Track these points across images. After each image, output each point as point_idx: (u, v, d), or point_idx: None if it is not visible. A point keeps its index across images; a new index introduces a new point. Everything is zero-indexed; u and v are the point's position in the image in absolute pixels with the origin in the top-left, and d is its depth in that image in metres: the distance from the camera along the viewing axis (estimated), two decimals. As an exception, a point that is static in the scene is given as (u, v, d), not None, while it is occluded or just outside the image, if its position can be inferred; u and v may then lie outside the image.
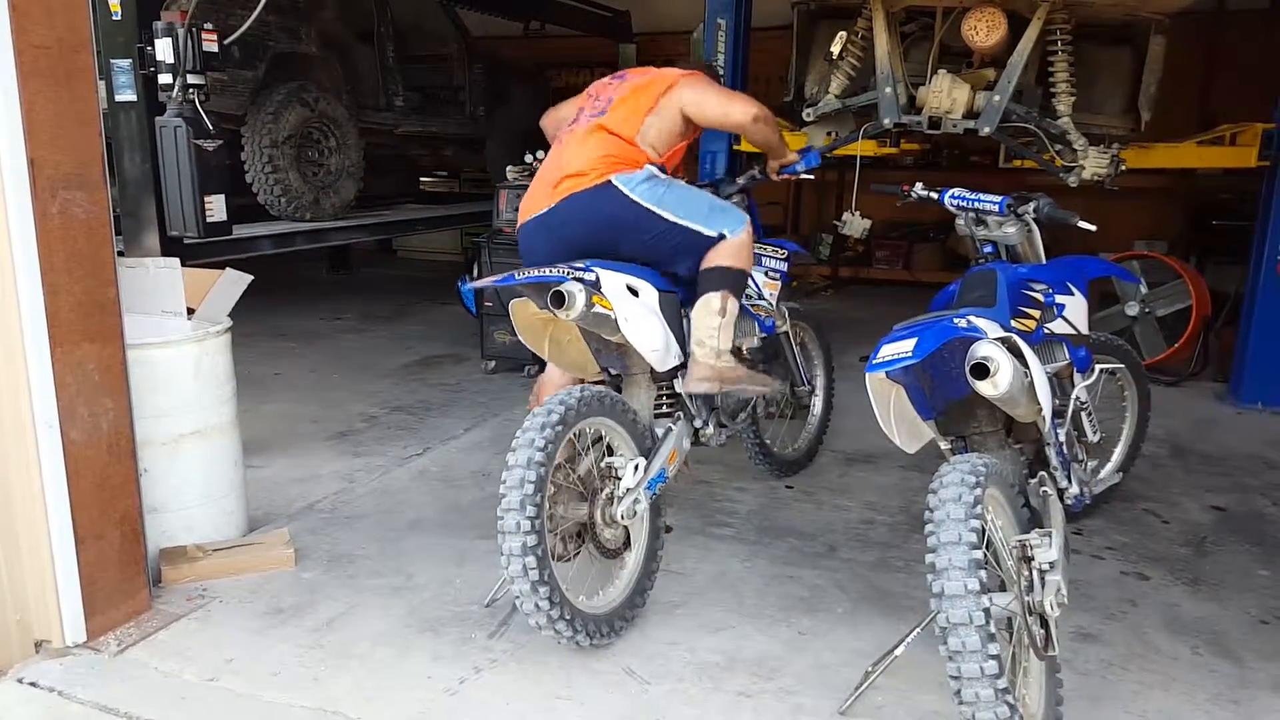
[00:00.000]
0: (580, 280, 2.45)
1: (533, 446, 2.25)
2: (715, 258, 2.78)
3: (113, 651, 2.44)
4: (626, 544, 2.59)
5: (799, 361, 3.54)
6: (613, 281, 2.55)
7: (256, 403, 4.32)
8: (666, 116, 2.86)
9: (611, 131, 2.82)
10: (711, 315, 2.73)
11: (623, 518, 2.48)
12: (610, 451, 2.58)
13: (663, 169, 2.86)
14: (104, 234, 2.42)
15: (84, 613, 2.44)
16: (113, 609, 2.52)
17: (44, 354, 2.29)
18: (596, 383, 2.80)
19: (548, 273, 2.46)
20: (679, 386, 2.82)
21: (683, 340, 2.78)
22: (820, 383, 3.82)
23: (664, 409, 2.88)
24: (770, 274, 3.24)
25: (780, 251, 3.30)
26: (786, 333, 3.40)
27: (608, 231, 2.73)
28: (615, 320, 2.53)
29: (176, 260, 2.92)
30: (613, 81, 3.00)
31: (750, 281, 3.05)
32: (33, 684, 2.30)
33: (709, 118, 2.92)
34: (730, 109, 2.90)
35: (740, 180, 3.29)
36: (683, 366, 2.79)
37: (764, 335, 3.16)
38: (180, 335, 2.85)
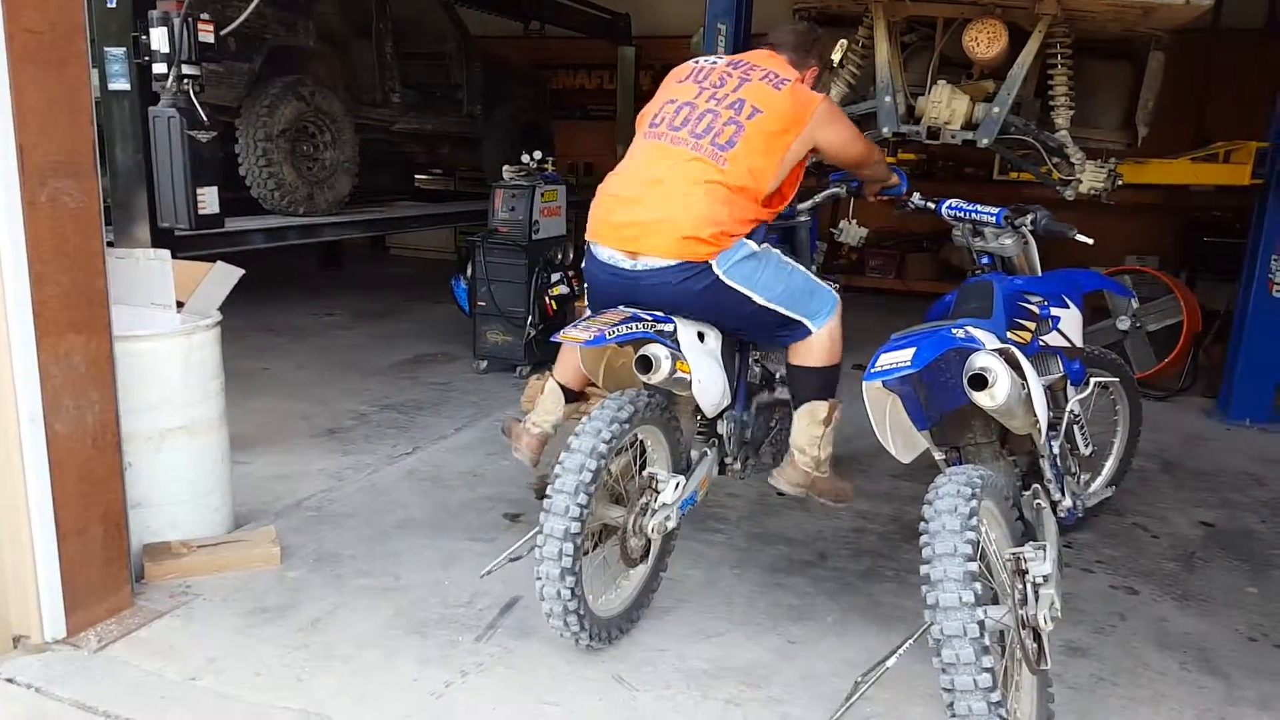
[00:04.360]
0: (660, 332, 2.44)
1: (598, 437, 2.25)
2: (809, 355, 2.64)
3: (93, 648, 2.40)
4: (644, 556, 2.58)
5: None
6: (687, 333, 2.54)
7: (244, 398, 4.27)
8: (798, 154, 2.58)
9: (734, 189, 2.45)
10: (816, 425, 2.66)
11: (653, 531, 2.47)
12: (643, 456, 2.58)
13: (761, 230, 2.58)
14: (93, 224, 2.38)
15: (64, 608, 2.41)
16: (94, 605, 2.48)
17: (29, 345, 2.26)
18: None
19: (635, 329, 2.41)
20: (720, 428, 2.81)
21: (733, 380, 2.74)
22: None
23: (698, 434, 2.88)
24: None
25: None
26: None
27: (696, 304, 2.54)
28: (689, 381, 2.52)
29: (167, 252, 2.89)
30: (732, 82, 2.56)
31: None
32: (10, 680, 2.26)
33: (842, 160, 2.75)
34: (864, 152, 2.74)
35: (817, 199, 3.09)
36: (730, 406, 2.74)
37: None
38: (169, 328, 2.82)
